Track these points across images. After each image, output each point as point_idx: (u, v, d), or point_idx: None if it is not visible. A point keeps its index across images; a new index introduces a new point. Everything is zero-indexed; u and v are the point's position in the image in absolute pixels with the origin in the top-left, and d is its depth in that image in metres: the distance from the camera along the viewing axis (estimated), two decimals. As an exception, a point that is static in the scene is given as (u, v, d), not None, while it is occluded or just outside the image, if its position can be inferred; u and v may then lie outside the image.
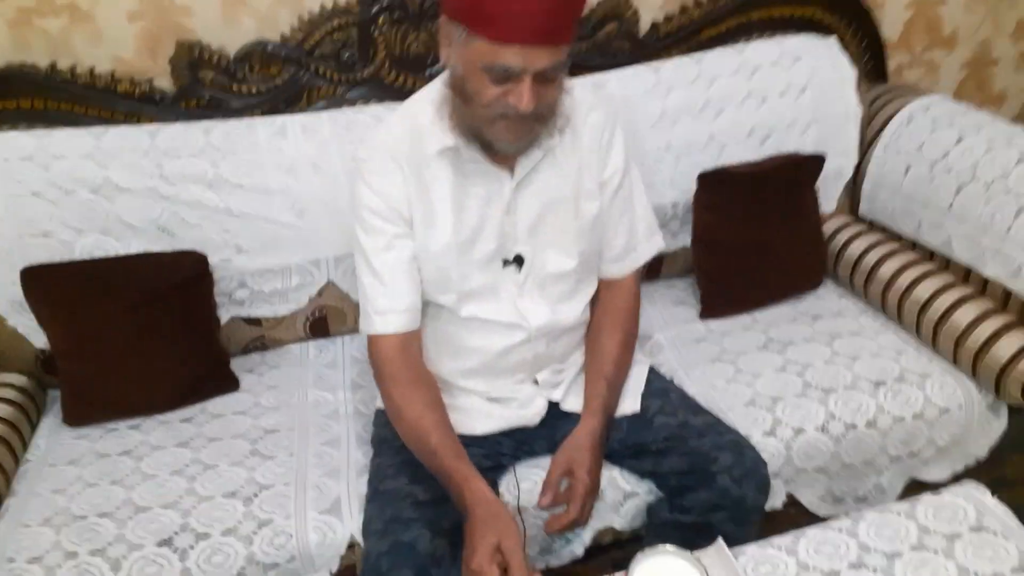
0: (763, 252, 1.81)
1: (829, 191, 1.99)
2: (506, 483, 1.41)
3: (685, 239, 1.91)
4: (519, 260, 1.37)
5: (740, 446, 1.38)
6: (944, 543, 1.20)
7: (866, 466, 1.58)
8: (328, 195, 1.69)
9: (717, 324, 1.82)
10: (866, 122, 1.99)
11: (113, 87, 1.68)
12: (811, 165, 1.86)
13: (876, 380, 1.60)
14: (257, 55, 1.73)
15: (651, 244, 1.51)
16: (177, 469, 1.45)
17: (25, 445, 1.54)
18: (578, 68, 1.86)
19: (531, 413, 1.43)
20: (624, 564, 1.44)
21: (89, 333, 1.54)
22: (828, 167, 1.91)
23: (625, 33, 1.92)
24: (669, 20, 1.96)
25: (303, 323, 1.79)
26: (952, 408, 1.58)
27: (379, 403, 1.49)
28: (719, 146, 1.87)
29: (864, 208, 2.00)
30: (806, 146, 1.92)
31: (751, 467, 1.36)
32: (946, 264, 1.78)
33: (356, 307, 1.75)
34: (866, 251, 1.86)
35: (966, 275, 1.74)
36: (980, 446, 1.66)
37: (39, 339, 1.61)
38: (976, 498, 1.27)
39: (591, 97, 1.42)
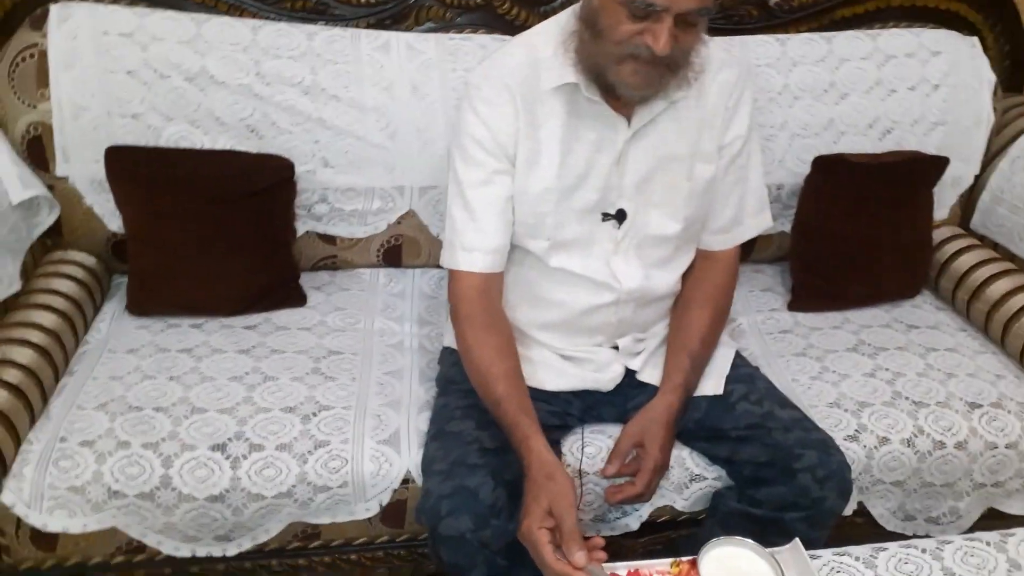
0: (866, 249, 1.71)
1: (944, 198, 1.86)
2: (570, 444, 1.35)
3: (784, 224, 1.81)
4: (620, 215, 1.29)
5: (827, 447, 1.29)
6: (1037, 582, 1.12)
7: (946, 488, 1.49)
8: (423, 121, 1.62)
9: (805, 318, 1.72)
10: (995, 132, 1.86)
11: (220, -26, 1.62)
12: (934, 167, 1.74)
13: (972, 401, 1.50)
14: (371, -37, 1.66)
15: (759, 220, 1.42)
16: (237, 375, 1.41)
17: (87, 326, 1.51)
18: (701, 29, 1.77)
19: (606, 378, 1.36)
20: (678, 546, 1.38)
21: (164, 222, 1.49)
22: (947, 172, 1.78)
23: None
24: (804, -8, 1.84)
25: (377, 249, 1.74)
26: (1049, 443, 1.48)
27: (447, 341, 1.44)
28: (837, 133, 1.76)
29: (977, 221, 1.88)
30: (928, 147, 1.79)
31: (836, 470, 1.27)
32: (1061, 294, 1.66)
33: (432, 240, 1.72)
34: (975, 266, 1.74)
35: (1082, 308, 1.62)
36: (1069, 486, 1.56)
37: (114, 222, 1.57)
38: (1074, 539, 1.17)
39: (724, 54, 1.33)
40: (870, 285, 1.74)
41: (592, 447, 1.34)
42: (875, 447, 1.42)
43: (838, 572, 1.13)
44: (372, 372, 1.46)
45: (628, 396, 1.36)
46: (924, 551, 1.17)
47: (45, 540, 1.24)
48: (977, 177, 1.88)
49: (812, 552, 1.14)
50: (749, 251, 1.87)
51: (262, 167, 1.54)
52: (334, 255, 1.73)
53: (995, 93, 1.85)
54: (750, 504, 1.31)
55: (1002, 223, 1.81)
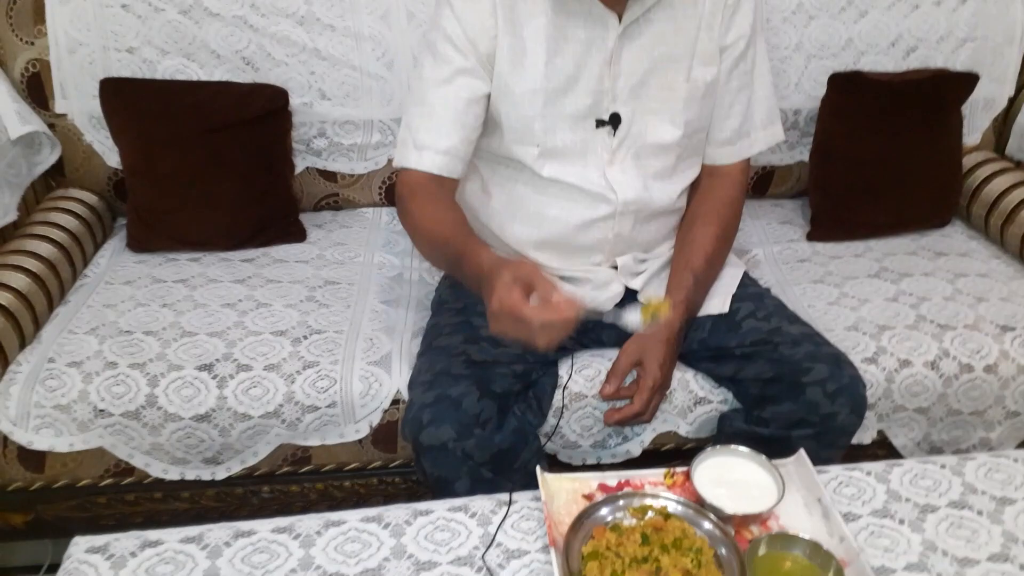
0: (890, 173, 1.62)
1: (976, 121, 1.76)
2: (566, 367, 1.29)
3: (802, 153, 1.73)
4: (615, 121, 1.22)
5: (838, 360, 1.22)
6: (1067, 497, 1.03)
7: (975, 417, 1.40)
8: (420, 49, 1.57)
9: (825, 247, 1.64)
10: (1030, 50, 1.75)
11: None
12: (961, 84, 1.64)
13: (1003, 324, 1.40)
14: None
15: (768, 133, 1.34)
16: (230, 302, 1.39)
17: (86, 261, 1.52)
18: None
19: (604, 297, 1.30)
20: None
21: (161, 155, 1.49)
22: (978, 94, 1.69)
23: (767, -81, 1.73)
24: (820, -91, 1.75)
25: (379, 186, 1.71)
26: (1090, 367, 1.37)
27: (444, 270, 1.40)
28: (856, 52, 1.67)
29: (1013, 147, 1.77)
30: (956, 65, 1.70)
31: (848, 384, 1.20)
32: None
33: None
34: (1009, 189, 1.64)
35: None
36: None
37: (112, 158, 1.57)
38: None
39: None
40: (894, 213, 1.65)
41: (591, 369, 1.29)
42: (896, 370, 1.34)
43: (847, 486, 1.06)
44: (368, 300, 1.43)
45: (629, 319, 1.31)
46: (944, 466, 1.09)
47: (33, 460, 1.24)
48: (1012, 100, 1.77)
49: (820, 468, 1.06)
50: (767, 185, 1.80)
51: (256, 95, 1.52)
52: (336, 193, 1.71)
53: (1029, 8, 1.74)
54: (757, 424, 1.25)
55: (1039, 147, 1.70)
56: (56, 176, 1.61)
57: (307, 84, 1.57)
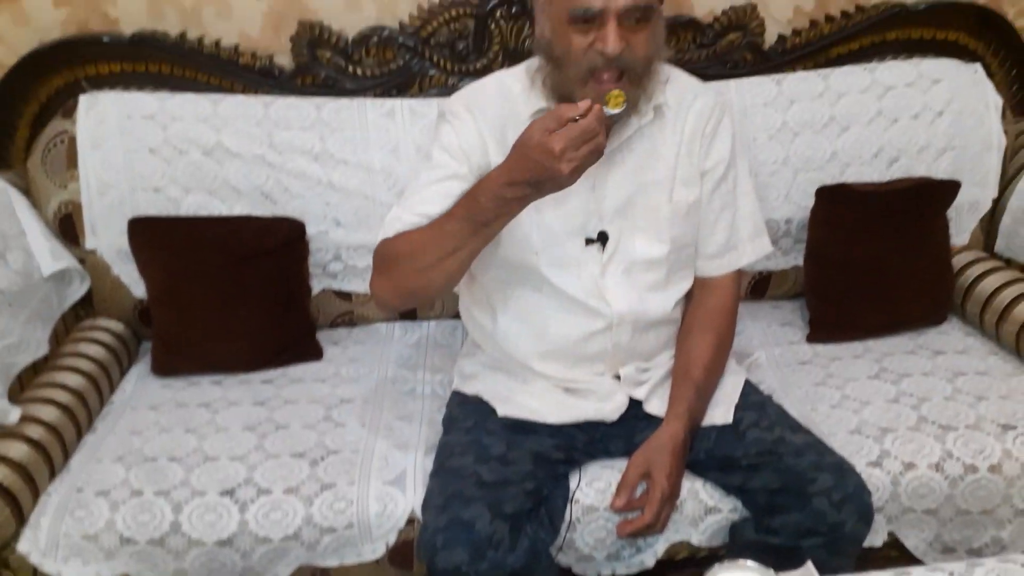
0: (883, 275, 1.68)
1: (963, 223, 1.83)
2: (575, 479, 1.32)
3: (796, 259, 1.80)
4: (603, 238, 1.31)
5: (842, 469, 1.25)
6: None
7: (985, 516, 1.41)
8: (429, 178, 1.68)
9: (825, 349, 1.68)
10: (1010, 155, 1.84)
11: (235, 59, 1.74)
12: (944, 190, 1.72)
13: (1005, 423, 1.43)
14: (374, 39, 1.76)
15: (755, 246, 1.42)
16: (250, 425, 1.44)
17: (112, 388, 1.58)
18: (696, 76, 1.80)
19: (610, 408, 1.35)
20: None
21: (185, 286, 1.57)
22: (963, 197, 1.76)
23: (748, 44, 1.85)
24: (797, 34, 1.87)
25: (392, 304, 1.78)
26: (1092, 463, 1.39)
27: (455, 384, 1.46)
28: (842, 164, 1.76)
29: (1001, 245, 1.84)
30: (939, 173, 1.78)
31: (853, 492, 1.23)
32: (1093, 309, 1.60)
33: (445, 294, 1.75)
34: (1001, 287, 1.69)
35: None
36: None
37: (139, 289, 1.65)
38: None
39: (698, 84, 1.39)
40: (890, 313, 1.70)
41: (601, 482, 1.32)
42: (900, 473, 1.37)
43: (857, 596, 1.08)
44: (382, 417, 1.48)
45: (635, 429, 1.35)
46: (951, 574, 1.11)
47: (61, 589, 1.27)
48: (996, 201, 1.84)
49: (830, 577, 1.09)
50: (765, 287, 1.86)
51: (275, 228, 1.61)
52: (351, 311, 1.78)
53: (1004, 116, 1.83)
54: (767, 533, 1.27)
55: (1026, 244, 1.76)
56: (85, 306, 1.69)
57: (323, 214, 1.67)
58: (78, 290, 1.64)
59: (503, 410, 1.33)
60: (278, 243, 1.59)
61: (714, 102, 1.36)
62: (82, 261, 1.64)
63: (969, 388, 1.53)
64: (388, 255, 1.24)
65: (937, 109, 1.78)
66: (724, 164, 1.35)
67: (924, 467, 1.37)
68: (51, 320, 1.55)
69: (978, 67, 1.84)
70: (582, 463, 1.34)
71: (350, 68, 1.76)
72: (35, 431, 1.32)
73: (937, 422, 1.44)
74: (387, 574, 1.33)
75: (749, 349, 1.69)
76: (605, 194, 1.29)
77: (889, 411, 1.47)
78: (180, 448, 1.38)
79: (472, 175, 1.26)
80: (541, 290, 1.32)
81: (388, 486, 1.31)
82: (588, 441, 1.35)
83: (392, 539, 1.30)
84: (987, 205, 1.84)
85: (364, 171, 1.67)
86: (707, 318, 1.38)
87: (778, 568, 1.06)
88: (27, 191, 1.64)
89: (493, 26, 1.76)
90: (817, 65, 1.86)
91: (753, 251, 1.41)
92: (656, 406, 1.36)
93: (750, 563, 1.06)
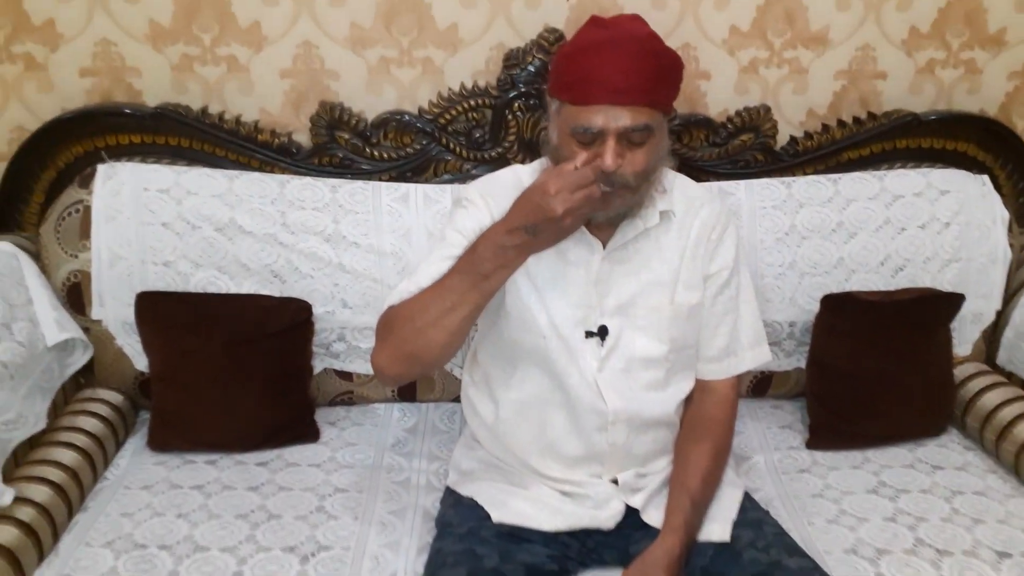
0: (884, 386, 1.68)
1: (965, 334, 1.84)
2: (570, 590, 1.31)
3: (799, 360, 1.81)
4: (603, 332, 1.32)
5: (837, 599, 1.24)
6: None
7: (979, 647, 1.39)
8: (438, 265, 1.69)
9: (824, 456, 1.68)
10: (1015, 267, 1.85)
11: (254, 136, 1.76)
12: (948, 303, 1.73)
13: (1000, 551, 1.42)
14: (393, 124, 1.79)
15: (755, 354, 1.43)
16: (242, 513, 1.43)
17: (107, 463, 1.57)
18: (705, 174, 1.84)
19: (605, 515, 1.34)
20: None
21: (187, 364, 1.57)
22: (967, 309, 1.77)
23: (760, 145, 1.88)
24: (809, 138, 1.90)
25: (393, 385, 1.78)
26: (1088, 599, 1.38)
27: (449, 481, 1.46)
28: (847, 271, 1.77)
29: (1003, 358, 1.84)
30: (944, 284, 1.79)
31: (847, 624, 1.21)
32: (1095, 433, 1.60)
33: (446, 375, 1.77)
34: (1002, 404, 1.70)
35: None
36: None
37: (141, 362, 1.65)
38: None
39: (706, 193, 1.43)
40: (890, 424, 1.70)
41: (593, 593, 1.31)
42: (896, 600, 1.35)
43: None
44: (376, 511, 1.47)
45: (631, 539, 1.34)
46: None
47: None
48: (1000, 313, 1.85)
49: None
50: (767, 388, 1.87)
51: (282, 310, 1.61)
52: (351, 391, 1.78)
53: (1011, 229, 1.85)
54: (760, 657, 1.25)
55: (1029, 360, 1.77)
56: (85, 373, 1.69)
57: (331, 295, 1.67)
58: (80, 359, 1.64)
59: (497, 516, 1.33)
60: (284, 325, 1.60)
61: (720, 209, 1.40)
62: (86, 330, 1.65)
63: (966, 509, 1.52)
64: (389, 319, 1.27)
65: (944, 220, 1.80)
66: (728, 270, 1.38)
67: (920, 594, 1.36)
68: (51, 392, 1.55)
69: (986, 179, 1.86)
70: (576, 573, 1.33)
71: (367, 150, 1.79)
72: (26, 513, 1.31)
73: (934, 545, 1.43)
74: None
75: (748, 452, 1.69)
76: (608, 290, 1.32)
77: (886, 530, 1.47)
78: (171, 535, 1.37)
79: None
80: (544, 377, 1.34)
81: (378, 589, 1.30)
82: (583, 550, 1.34)
83: (380, 644, 1.28)
84: (991, 317, 1.85)
85: (375, 255, 1.68)
86: (704, 426, 1.39)
87: None
88: (37, 256, 1.65)
89: (510, 116, 1.78)
90: (828, 168, 1.89)
91: (753, 359, 1.43)
92: (653, 515, 1.35)
93: None
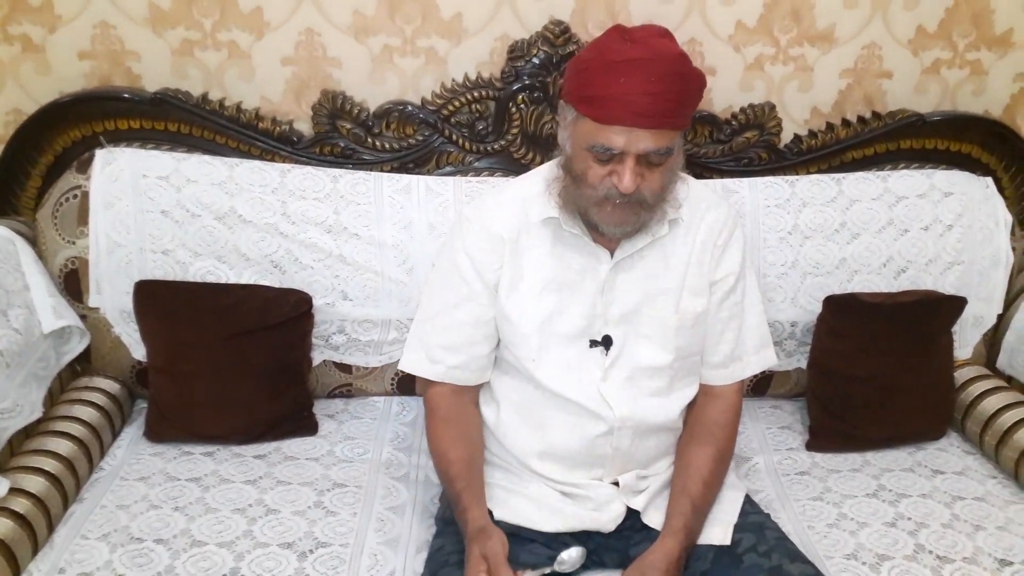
0: (885, 389, 1.67)
1: (966, 337, 1.83)
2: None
3: (800, 360, 1.80)
4: (607, 342, 1.31)
5: (837, 603, 1.23)
6: None
7: (977, 653, 1.39)
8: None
9: (823, 459, 1.68)
10: (1016, 271, 1.85)
11: (255, 124, 1.73)
12: (950, 306, 1.72)
13: (1001, 558, 1.42)
14: (395, 114, 1.76)
15: (760, 358, 1.43)
16: (240, 507, 1.42)
17: (104, 452, 1.55)
18: (709, 171, 1.82)
19: (606, 517, 1.34)
20: None
21: (186, 355, 1.55)
22: (968, 312, 1.77)
23: (764, 143, 1.86)
24: (813, 136, 1.89)
25: (391, 377, 1.77)
26: (1088, 606, 1.38)
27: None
28: (850, 271, 1.76)
29: (1003, 361, 1.84)
30: (945, 286, 1.78)
31: (847, 628, 1.21)
32: (1095, 439, 1.60)
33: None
34: (1002, 409, 1.69)
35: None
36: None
37: (138, 351, 1.63)
38: None
39: (712, 196, 1.41)
40: (890, 427, 1.70)
41: (592, 594, 1.30)
42: (896, 606, 1.35)
43: None
44: (374, 507, 1.45)
45: (631, 541, 1.33)
46: None
47: (35, 675, 1.24)
48: (1000, 316, 1.85)
49: None
50: (767, 387, 1.86)
51: (283, 301, 1.59)
52: (349, 383, 1.76)
53: (1013, 233, 1.84)
54: (759, 662, 1.24)
55: (1029, 364, 1.77)
56: (81, 361, 1.66)
57: (331, 287, 1.65)
58: (77, 347, 1.62)
59: (499, 514, 1.32)
60: (283, 317, 1.58)
61: (727, 215, 1.38)
62: (83, 317, 1.62)
63: (967, 515, 1.52)
64: (429, 439, 1.39)
65: (947, 222, 1.79)
66: (734, 276, 1.36)
67: (920, 601, 1.36)
68: (47, 380, 1.53)
69: (989, 181, 1.86)
70: (576, 574, 1.32)
71: (369, 140, 1.76)
72: (21, 504, 1.29)
73: (934, 552, 1.43)
74: (370, 678, 1.30)
75: (748, 453, 1.68)
76: (613, 299, 1.31)
77: (887, 535, 1.46)
78: (168, 529, 1.35)
79: (484, 292, 1.33)
80: (539, 392, 1.34)
81: (377, 586, 1.29)
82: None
83: (378, 644, 1.27)
84: (992, 320, 1.84)
85: (376, 246, 1.66)
86: (706, 430, 1.38)
87: None
88: (34, 241, 1.63)
89: (514, 109, 1.76)
90: (831, 168, 1.88)
91: (758, 363, 1.43)
92: (654, 517, 1.34)
93: None
